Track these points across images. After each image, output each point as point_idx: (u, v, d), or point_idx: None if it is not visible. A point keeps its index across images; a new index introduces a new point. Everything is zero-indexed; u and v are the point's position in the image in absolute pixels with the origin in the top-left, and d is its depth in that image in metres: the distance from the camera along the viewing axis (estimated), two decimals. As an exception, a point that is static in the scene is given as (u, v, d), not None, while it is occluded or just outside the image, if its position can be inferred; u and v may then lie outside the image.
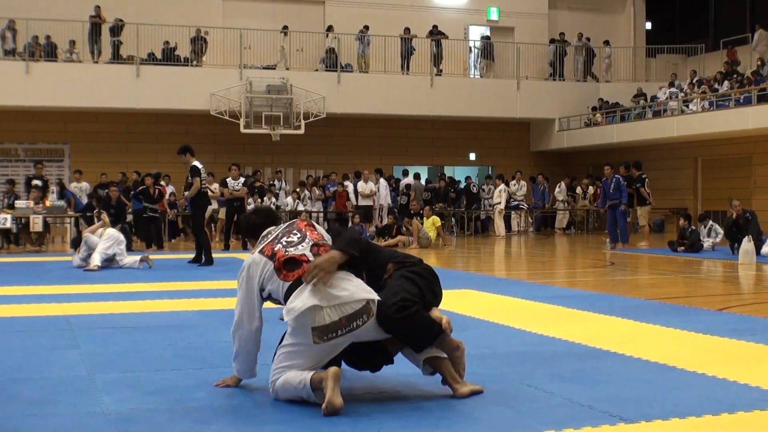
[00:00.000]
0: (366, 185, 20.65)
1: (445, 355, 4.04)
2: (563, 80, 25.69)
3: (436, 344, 4.02)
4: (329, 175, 22.32)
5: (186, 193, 13.11)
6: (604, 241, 16.66)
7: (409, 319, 3.83)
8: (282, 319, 3.94)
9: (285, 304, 3.90)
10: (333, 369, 3.70)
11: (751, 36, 24.46)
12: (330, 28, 23.76)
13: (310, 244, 4.03)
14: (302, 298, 3.79)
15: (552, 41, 25.99)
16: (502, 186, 21.34)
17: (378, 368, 4.15)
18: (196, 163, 12.55)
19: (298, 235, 4.08)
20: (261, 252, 4.05)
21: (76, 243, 12.16)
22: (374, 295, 3.86)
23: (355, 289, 3.83)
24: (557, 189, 23.37)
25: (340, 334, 3.76)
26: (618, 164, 17.94)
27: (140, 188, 17.05)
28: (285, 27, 23.48)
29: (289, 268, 3.94)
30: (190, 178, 12.51)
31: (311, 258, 3.92)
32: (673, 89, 23.56)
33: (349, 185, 20.91)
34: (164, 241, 17.51)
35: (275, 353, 3.96)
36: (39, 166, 18.47)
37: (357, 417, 3.63)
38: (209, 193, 19.68)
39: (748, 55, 23.69)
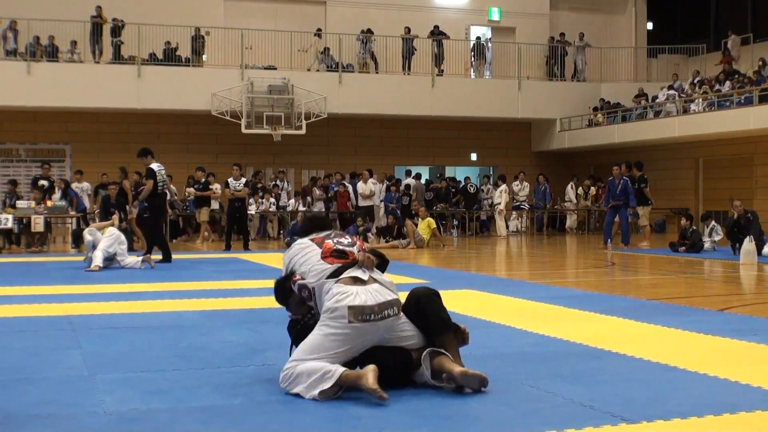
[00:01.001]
0: (365, 186, 20.68)
1: (446, 353, 4.11)
2: (564, 80, 25.70)
3: (449, 350, 4.19)
4: (333, 174, 22.31)
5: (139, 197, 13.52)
6: (605, 241, 16.64)
7: (437, 297, 4.24)
8: (299, 286, 4.19)
9: (322, 286, 4.14)
10: (372, 365, 3.87)
11: (752, 36, 24.47)
12: (369, 31, 23.86)
13: (357, 248, 4.35)
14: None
15: (551, 39, 25.98)
16: (503, 186, 21.33)
17: (397, 371, 4.14)
18: (153, 165, 12.81)
19: (350, 240, 4.42)
20: (311, 239, 4.39)
21: (76, 237, 12.17)
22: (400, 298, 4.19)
23: (389, 283, 4.22)
24: (570, 188, 23.39)
25: (372, 318, 3.98)
26: (619, 165, 17.95)
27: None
28: (319, 29, 23.56)
29: (336, 255, 4.25)
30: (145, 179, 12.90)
31: (357, 256, 4.26)
32: (671, 91, 23.56)
33: (350, 186, 20.92)
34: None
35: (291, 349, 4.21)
36: (45, 166, 18.49)
37: (358, 417, 3.63)
38: (212, 192, 19.83)
39: (749, 55, 23.70)
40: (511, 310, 7.15)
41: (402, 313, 4.15)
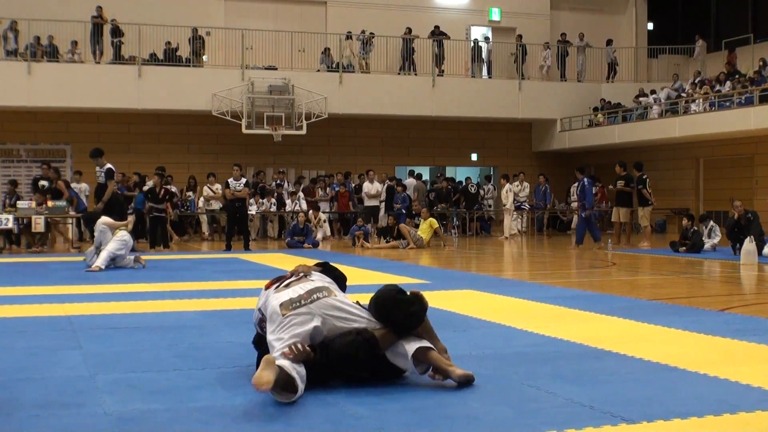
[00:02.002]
0: (372, 186, 20.68)
1: (432, 347, 4.20)
2: (565, 81, 25.70)
3: (431, 340, 4.28)
4: (334, 175, 22.35)
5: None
6: (606, 241, 16.65)
7: (401, 294, 4.25)
8: (259, 321, 4.48)
9: (265, 301, 4.44)
10: (267, 356, 3.91)
11: (752, 37, 24.47)
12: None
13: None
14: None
15: (519, 37, 25.95)
16: (508, 186, 21.36)
17: (364, 356, 4.13)
18: (110, 165, 12.76)
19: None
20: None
21: (88, 220, 12.11)
22: (335, 286, 4.45)
23: (320, 282, 4.40)
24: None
25: (303, 303, 4.19)
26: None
27: (148, 188, 17.15)
28: (349, 32, 23.56)
29: (273, 280, 4.57)
30: (103, 180, 12.68)
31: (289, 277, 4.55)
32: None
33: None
34: (169, 241, 17.46)
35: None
36: (44, 167, 18.49)
37: (358, 417, 3.64)
38: (210, 193, 19.84)
39: (750, 55, 23.69)
40: (511, 310, 7.15)
41: (338, 293, 4.35)
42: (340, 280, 4.66)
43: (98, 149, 13.16)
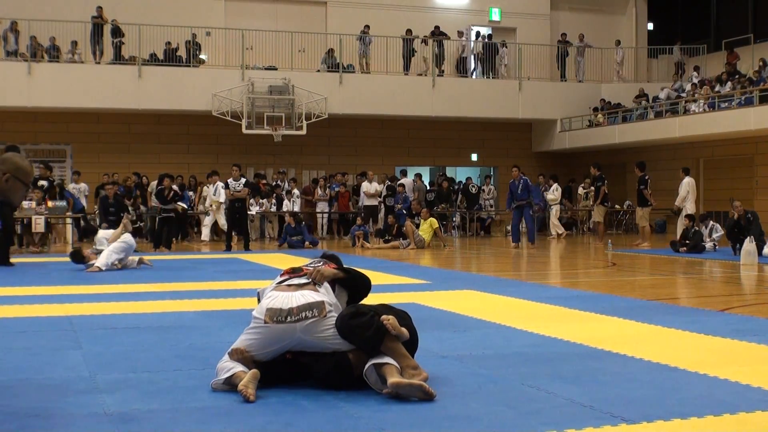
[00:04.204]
0: (371, 185, 20.69)
1: (392, 362, 4.03)
2: (565, 81, 25.70)
3: (396, 358, 4.07)
4: (334, 175, 22.37)
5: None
6: (606, 242, 16.65)
7: (352, 320, 4.10)
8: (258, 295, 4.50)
9: (265, 291, 4.42)
10: (254, 370, 4.00)
11: (753, 37, 24.48)
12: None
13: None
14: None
15: (487, 37, 25.92)
16: (555, 185, 21.53)
17: (337, 382, 4.12)
18: None
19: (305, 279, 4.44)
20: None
21: (86, 232, 12.08)
22: (332, 300, 4.27)
23: (318, 295, 4.22)
24: (582, 190, 23.47)
25: (288, 320, 4.08)
26: (620, 165, 17.98)
27: (158, 188, 17.22)
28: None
29: (290, 270, 4.49)
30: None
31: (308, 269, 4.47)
32: (667, 90, 23.63)
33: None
34: (172, 242, 17.44)
35: None
36: (41, 166, 18.49)
37: (358, 417, 3.64)
38: (211, 194, 19.80)
39: (750, 55, 23.70)
40: (511, 311, 7.15)
41: (328, 315, 4.13)
42: (359, 291, 4.54)
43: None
